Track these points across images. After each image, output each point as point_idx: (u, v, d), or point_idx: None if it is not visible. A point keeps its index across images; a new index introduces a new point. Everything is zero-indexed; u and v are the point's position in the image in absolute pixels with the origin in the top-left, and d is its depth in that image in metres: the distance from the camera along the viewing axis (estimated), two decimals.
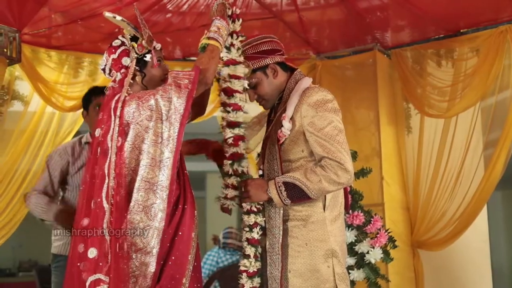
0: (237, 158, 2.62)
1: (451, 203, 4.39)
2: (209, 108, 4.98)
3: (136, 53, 2.54)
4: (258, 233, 2.60)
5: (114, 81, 2.55)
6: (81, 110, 3.64)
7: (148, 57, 2.57)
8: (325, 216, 2.57)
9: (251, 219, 2.61)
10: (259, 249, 2.61)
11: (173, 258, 2.39)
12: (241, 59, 2.65)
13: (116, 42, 2.57)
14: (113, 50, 2.55)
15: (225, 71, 2.64)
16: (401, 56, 4.70)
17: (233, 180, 2.63)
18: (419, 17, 4.32)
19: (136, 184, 2.36)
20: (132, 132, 2.39)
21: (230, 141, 2.62)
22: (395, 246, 3.83)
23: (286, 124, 2.57)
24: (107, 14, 2.53)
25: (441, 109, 4.47)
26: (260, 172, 2.71)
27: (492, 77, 4.17)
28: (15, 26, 3.89)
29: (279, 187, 2.50)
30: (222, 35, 2.57)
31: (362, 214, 3.69)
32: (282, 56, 2.71)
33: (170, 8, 4.24)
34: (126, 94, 2.46)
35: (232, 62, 2.64)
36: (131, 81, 2.52)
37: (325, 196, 2.57)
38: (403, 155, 4.70)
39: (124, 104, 2.43)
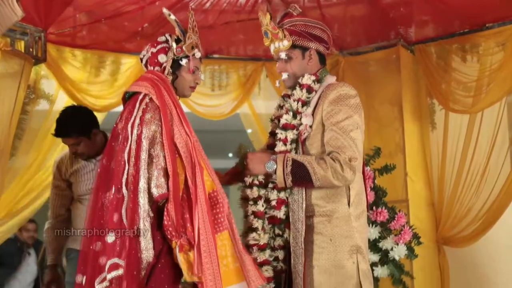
0: (277, 223, 2.63)
1: (477, 199, 4.34)
2: (232, 105, 5.07)
3: (174, 54, 2.58)
4: (262, 206, 2.61)
5: None
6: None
7: (183, 62, 2.61)
8: (350, 212, 2.56)
9: (254, 192, 2.63)
10: (266, 222, 2.62)
11: None
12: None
13: (161, 38, 2.64)
14: (155, 44, 2.63)
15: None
16: (425, 52, 4.65)
17: (279, 242, 2.65)
18: (443, 12, 4.27)
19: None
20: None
21: (273, 203, 2.62)
22: (419, 243, 3.80)
23: (305, 120, 2.58)
24: (164, 10, 2.61)
25: (466, 105, 4.42)
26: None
27: None
28: (41, 26, 3.94)
29: (287, 161, 2.49)
30: None
31: (386, 210, 3.68)
32: (326, 49, 2.73)
33: (193, 6, 4.26)
34: None
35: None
36: None
37: (349, 192, 2.57)
38: (427, 151, 4.66)
39: (152, 100, 2.48)
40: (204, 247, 2.32)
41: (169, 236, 2.36)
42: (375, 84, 4.75)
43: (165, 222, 2.35)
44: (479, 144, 4.38)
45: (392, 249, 3.64)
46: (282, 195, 2.60)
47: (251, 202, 2.64)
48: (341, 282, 2.52)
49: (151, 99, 2.49)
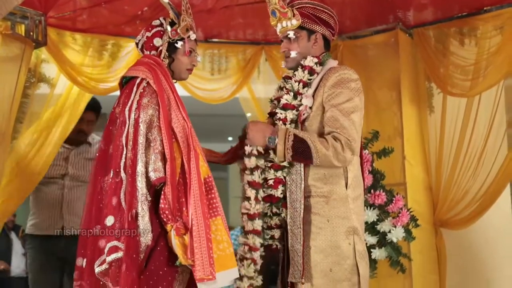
0: (275, 201, 2.66)
1: (474, 182, 4.37)
2: (231, 89, 5.08)
3: (169, 38, 2.59)
4: (259, 176, 2.62)
5: None
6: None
7: (179, 44, 2.62)
8: (347, 193, 2.60)
9: (252, 162, 2.64)
10: (260, 193, 2.64)
11: (147, 273, 2.41)
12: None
13: (156, 22, 2.64)
14: (150, 28, 2.64)
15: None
16: (424, 35, 4.65)
17: (276, 221, 2.68)
18: None
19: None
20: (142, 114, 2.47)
21: (270, 182, 2.64)
22: (417, 225, 3.84)
23: (305, 101, 2.61)
24: None
25: (464, 88, 4.43)
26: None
27: None
28: (41, 10, 3.94)
29: (288, 135, 2.51)
30: None
31: (384, 193, 3.70)
32: (332, 36, 2.77)
33: None
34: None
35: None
36: None
37: (347, 174, 2.60)
38: (425, 135, 4.68)
39: (149, 84, 2.50)
40: (195, 232, 2.35)
41: (165, 219, 2.38)
42: (374, 68, 4.75)
43: (162, 205, 2.38)
44: (476, 127, 4.40)
45: (390, 231, 3.67)
46: (279, 174, 2.63)
47: (247, 172, 2.65)
48: (337, 262, 2.56)
49: (148, 83, 2.50)
